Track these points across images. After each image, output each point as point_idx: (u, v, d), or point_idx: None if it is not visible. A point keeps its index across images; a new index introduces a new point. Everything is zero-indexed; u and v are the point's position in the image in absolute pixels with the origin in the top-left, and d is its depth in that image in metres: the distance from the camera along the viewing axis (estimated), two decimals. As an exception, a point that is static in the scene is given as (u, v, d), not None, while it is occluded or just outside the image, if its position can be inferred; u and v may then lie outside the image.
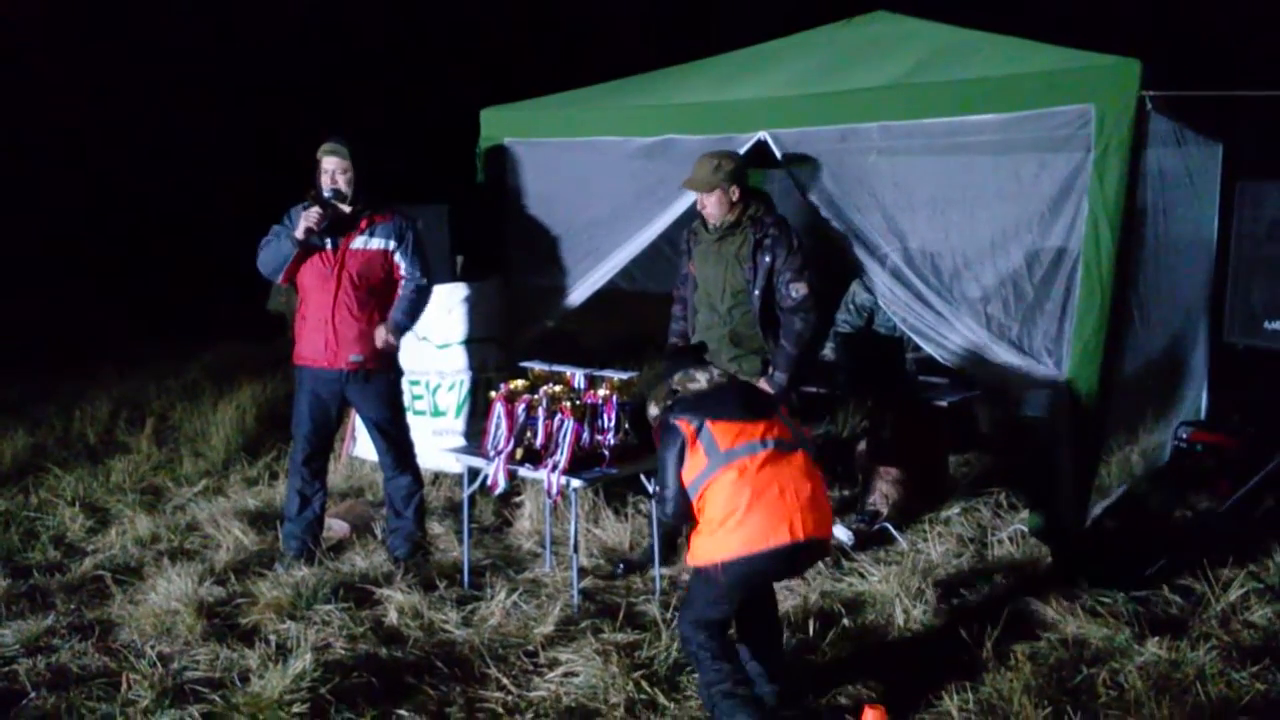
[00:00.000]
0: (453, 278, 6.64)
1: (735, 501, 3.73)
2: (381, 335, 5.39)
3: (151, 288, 14.15)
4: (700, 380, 4.11)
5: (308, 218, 5.18)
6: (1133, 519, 5.60)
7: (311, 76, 16.46)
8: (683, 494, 3.85)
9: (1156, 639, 4.40)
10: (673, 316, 5.68)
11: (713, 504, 3.79)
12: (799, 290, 5.18)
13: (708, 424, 3.84)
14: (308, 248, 5.25)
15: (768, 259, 5.17)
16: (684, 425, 3.86)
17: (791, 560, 3.83)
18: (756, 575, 3.82)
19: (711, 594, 3.81)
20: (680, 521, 4.02)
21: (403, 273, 5.44)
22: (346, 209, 5.29)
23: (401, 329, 5.47)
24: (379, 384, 5.45)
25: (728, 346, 5.28)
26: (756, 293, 5.19)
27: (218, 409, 8.12)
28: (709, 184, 5.20)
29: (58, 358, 10.84)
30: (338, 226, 5.28)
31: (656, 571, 5.18)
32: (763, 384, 5.20)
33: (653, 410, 4.12)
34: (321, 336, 5.31)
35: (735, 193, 5.21)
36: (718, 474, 3.78)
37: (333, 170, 5.25)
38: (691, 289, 5.49)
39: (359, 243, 5.32)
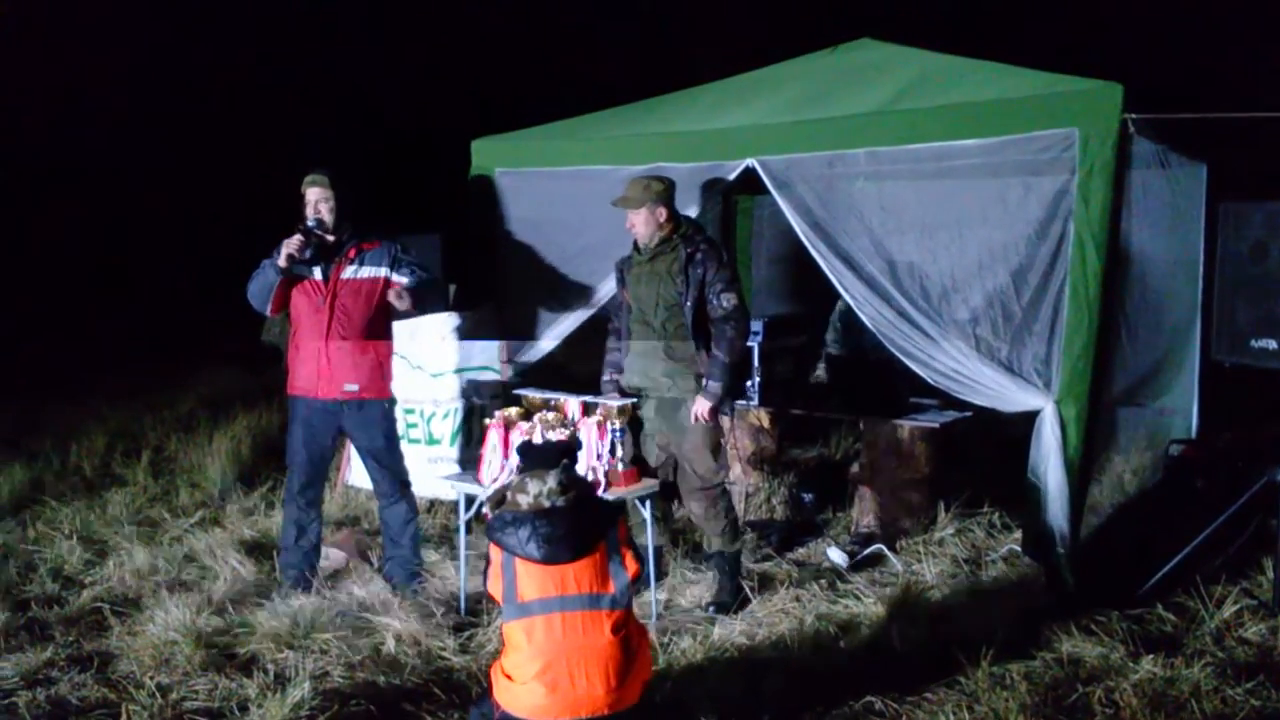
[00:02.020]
0: (446, 307, 6.69)
1: (525, 667, 3.56)
2: (395, 296, 5.39)
3: (145, 319, 14.15)
4: (529, 493, 3.74)
5: (290, 245, 5.21)
6: (1125, 537, 5.63)
7: (302, 107, 16.55)
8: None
9: (1151, 657, 4.43)
10: (607, 349, 5.71)
11: (509, 651, 3.65)
12: (729, 300, 5.24)
13: (516, 561, 3.63)
14: (294, 277, 5.30)
15: (699, 272, 5.24)
16: (494, 551, 3.71)
17: None
18: None
19: None
20: None
21: (399, 276, 5.42)
22: (330, 238, 5.34)
23: (416, 286, 5.43)
24: (374, 413, 5.48)
25: (663, 361, 5.33)
26: (689, 305, 5.25)
27: (213, 440, 8.14)
28: (638, 202, 5.29)
29: (52, 389, 10.84)
30: (326, 256, 5.33)
31: (653, 596, 5.20)
32: (700, 400, 5.23)
33: (486, 510, 3.90)
34: (315, 366, 5.34)
35: (662, 213, 5.30)
36: (512, 623, 3.62)
37: (315, 200, 5.31)
38: (626, 315, 5.54)
39: (349, 272, 5.36)
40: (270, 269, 5.28)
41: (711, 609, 5.20)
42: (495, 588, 3.70)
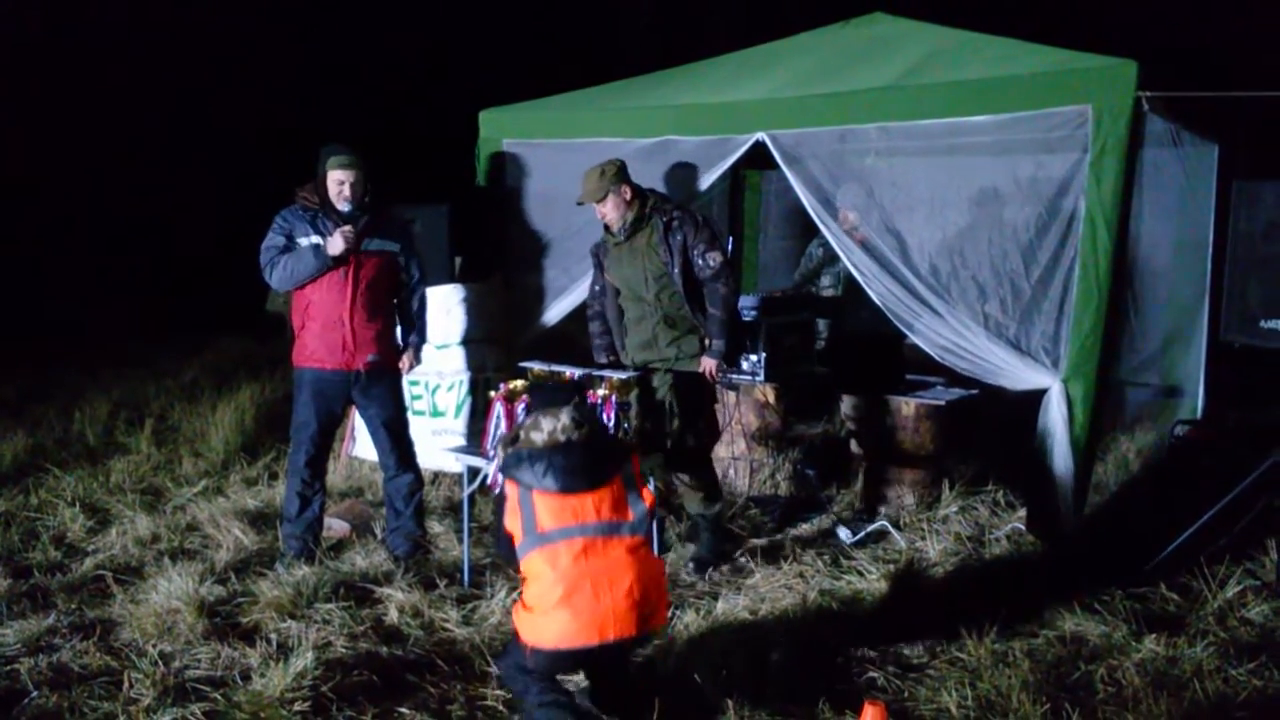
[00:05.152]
0: (452, 278, 6.66)
1: (548, 594, 3.55)
2: (408, 364, 5.58)
3: (149, 286, 14.13)
4: (544, 430, 3.75)
5: (346, 237, 5.16)
6: (1130, 517, 5.62)
7: (308, 75, 16.45)
8: (509, 543, 3.71)
9: (1154, 636, 4.42)
10: (593, 335, 5.71)
11: (530, 582, 3.65)
12: (715, 259, 5.25)
13: (534, 494, 3.62)
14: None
15: (680, 237, 5.25)
16: (511, 488, 3.70)
17: (607, 655, 3.66)
18: (571, 664, 3.71)
19: (527, 663, 3.68)
20: (507, 563, 3.92)
21: (405, 277, 5.51)
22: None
23: (421, 346, 5.66)
24: (384, 384, 5.48)
25: (665, 331, 5.34)
26: (676, 271, 5.26)
27: (217, 409, 8.13)
28: (600, 191, 5.29)
29: (55, 356, 10.83)
30: None
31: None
32: (706, 359, 5.27)
33: (499, 458, 3.91)
34: (338, 338, 5.30)
35: (626, 192, 5.31)
36: (532, 553, 3.61)
37: (344, 181, 5.23)
38: (612, 298, 5.56)
39: (368, 245, 5.33)
40: (314, 256, 5.20)
41: (691, 565, 5.27)
42: (513, 524, 3.68)
